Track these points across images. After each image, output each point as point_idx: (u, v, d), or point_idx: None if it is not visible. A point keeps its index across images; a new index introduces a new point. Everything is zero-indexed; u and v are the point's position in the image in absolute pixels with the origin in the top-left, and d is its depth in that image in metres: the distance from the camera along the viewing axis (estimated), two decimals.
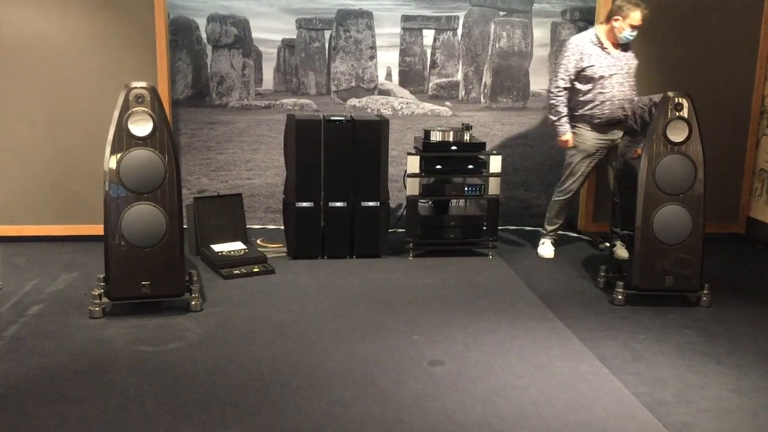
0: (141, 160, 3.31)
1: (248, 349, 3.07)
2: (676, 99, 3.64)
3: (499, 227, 4.62)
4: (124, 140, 3.31)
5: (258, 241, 4.58)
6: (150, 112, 3.32)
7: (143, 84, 3.34)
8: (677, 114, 3.63)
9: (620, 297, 3.71)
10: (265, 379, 2.80)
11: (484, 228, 4.50)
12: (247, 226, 4.97)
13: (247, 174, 5.04)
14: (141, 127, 3.32)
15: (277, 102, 5.02)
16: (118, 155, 3.29)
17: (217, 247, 4.28)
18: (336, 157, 4.30)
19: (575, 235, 5.08)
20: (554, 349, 3.13)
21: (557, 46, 5.13)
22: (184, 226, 4.72)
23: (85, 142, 4.49)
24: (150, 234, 3.33)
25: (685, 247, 3.64)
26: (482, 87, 5.16)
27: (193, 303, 3.46)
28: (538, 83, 5.18)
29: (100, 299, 3.37)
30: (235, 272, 4.00)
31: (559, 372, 2.91)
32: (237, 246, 4.33)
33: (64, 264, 4.16)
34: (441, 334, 3.27)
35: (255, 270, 4.06)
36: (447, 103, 5.16)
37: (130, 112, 3.31)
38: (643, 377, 2.90)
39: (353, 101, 5.08)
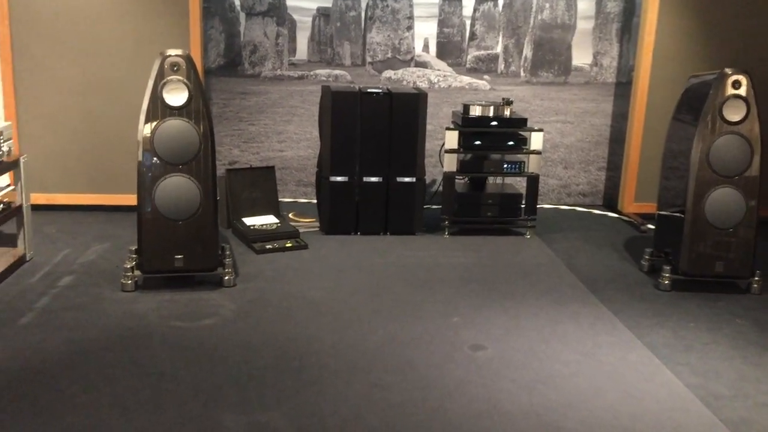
0: (175, 131, 3.21)
1: (284, 328, 2.98)
2: (734, 76, 3.45)
3: (537, 204, 4.48)
4: (159, 109, 3.21)
5: (290, 215, 4.49)
6: (185, 81, 3.21)
7: (179, 51, 3.23)
8: (734, 92, 3.45)
9: (666, 282, 3.57)
10: (303, 360, 2.71)
11: (523, 207, 4.36)
12: (280, 199, 4.88)
13: (279, 146, 4.93)
14: (176, 96, 3.21)
15: (311, 73, 4.89)
16: (153, 125, 3.20)
17: (249, 220, 4.19)
18: (372, 131, 4.17)
19: (615, 215, 4.92)
20: (600, 336, 3.01)
21: (602, 18, 4.93)
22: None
23: (117, 110, 4.40)
24: (183, 206, 3.24)
25: (737, 231, 3.48)
26: (522, 60, 4.99)
27: (226, 278, 3.38)
28: (580, 57, 4.99)
29: (132, 272, 3.30)
30: (267, 247, 3.92)
31: (606, 361, 2.79)
32: (269, 220, 4.24)
33: (95, 234, 4.10)
34: (481, 316, 3.16)
35: (288, 245, 3.97)
36: (485, 76, 4.99)
37: (165, 80, 3.20)
38: (695, 368, 2.77)
39: (389, 73, 4.93)
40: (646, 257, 3.84)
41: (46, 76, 4.36)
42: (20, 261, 3.55)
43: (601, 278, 3.71)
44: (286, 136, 4.93)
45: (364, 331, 2.98)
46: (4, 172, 3.49)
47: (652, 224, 4.56)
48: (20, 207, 3.54)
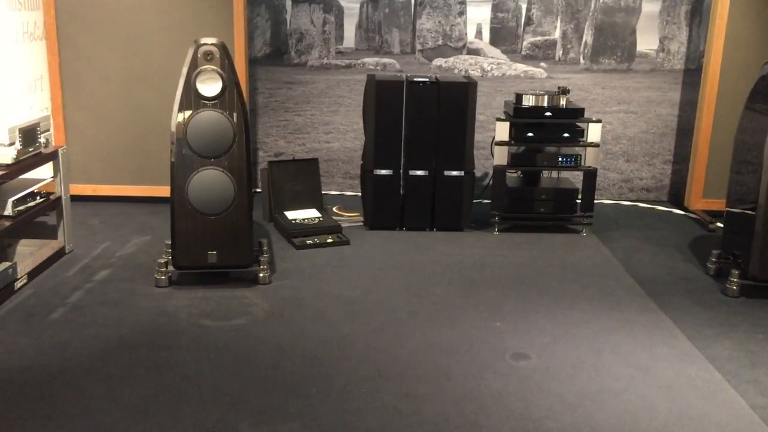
0: (209, 122, 3.10)
1: (315, 329, 2.84)
2: None
3: (595, 201, 4.21)
4: (192, 100, 3.11)
5: (334, 209, 4.35)
6: (219, 70, 3.10)
7: (213, 40, 3.12)
8: None
9: (734, 288, 3.27)
10: (332, 365, 2.57)
11: (579, 202, 4.10)
12: (324, 192, 4.75)
13: (325, 137, 4.80)
14: (210, 86, 3.10)
15: (359, 61, 4.73)
16: (186, 116, 3.10)
17: (291, 214, 4.08)
18: (418, 122, 3.98)
19: (681, 212, 4.59)
20: (657, 347, 2.75)
21: (669, 0, 4.59)
22: (258, 190, 4.58)
23: (160, 100, 4.34)
24: (217, 201, 3.14)
25: None
26: (582, 46, 4.70)
27: (261, 275, 3.27)
28: (645, 42, 4.66)
29: (167, 267, 3.23)
30: (307, 242, 3.79)
31: (662, 375, 2.55)
32: (311, 213, 4.11)
33: (136, 226, 4.06)
34: (526, 322, 2.95)
35: (329, 240, 3.83)
36: (542, 64, 4.72)
37: (198, 70, 3.09)
38: (763, 387, 2.49)
39: (439, 61, 4.72)
40: (713, 259, 3.54)
41: (91, 67, 4.34)
42: (60, 253, 3.53)
43: (661, 281, 3.43)
44: (333, 127, 4.79)
45: (399, 335, 2.81)
46: (43, 164, 3.46)
47: (721, 222, 4.23)
48: (59, 198, 3.51)
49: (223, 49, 3.12)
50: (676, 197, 4.78)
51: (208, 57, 3.10)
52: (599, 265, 3.63)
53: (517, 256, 3.72)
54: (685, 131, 4.71)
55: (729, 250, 3.51)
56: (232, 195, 3.14)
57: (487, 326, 2.91)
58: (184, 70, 3.11)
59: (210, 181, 3.12)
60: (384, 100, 3.94)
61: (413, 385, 2.45)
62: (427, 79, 3.97)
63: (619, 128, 4.76)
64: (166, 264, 3.23)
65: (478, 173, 4.74)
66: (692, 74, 4.65)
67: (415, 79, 3.97)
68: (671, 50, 4.67)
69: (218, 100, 3.11)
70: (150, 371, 2.51)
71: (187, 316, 2.94)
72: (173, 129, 3.11)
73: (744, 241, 3.30)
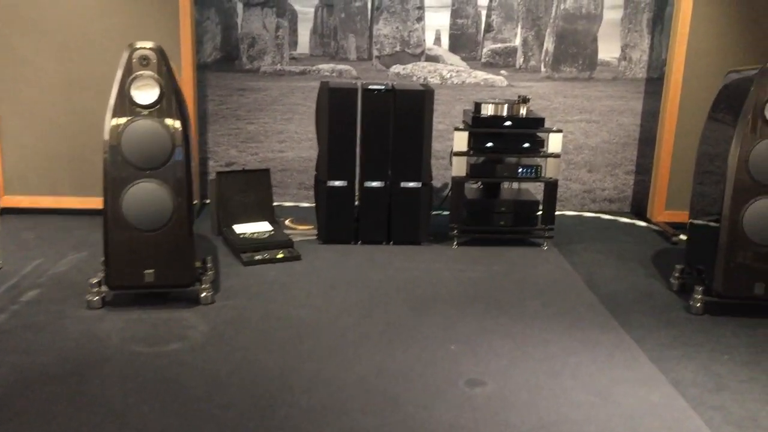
0: (145, 132, 2.90)
1: (257, 356, 2.65)
2: None
3: (557, 212, 4.08)
4: (127, 108, 2.90)
5: (286, 222, 4.16)
6: (156, 76, 2.90)
7: (149, 44, 2.92)
8: None
9: (698, 305, 3.15)
10: (273, 396, 2.38)
11: (540, 215, 3.97)
12: (278, 204, 4.57)
13: (279, 146, 4.61)
14: (146, 93, 2.90)
15: (314, 67, 4.55)
16: (120, 125, 2.89)
17: (240, 228, 3.87)
18: (374, 131, 3.82)
19: (644, 224, 4.49)
20: (618, 370, 2.62)
21: (631, 8, 4.50)
22: (207, 201, 4.37)
23: (102, 107, 4.07)
24: (154, 215, 2.93)
25: None
26: (543, 54, 4.58)
27: (203, 295, 3.06)
28: (607, 51, 4.57)
29: (99, 287, 3.00)
30: (256, 258, 3.59)
31: (624, 402, 2.40)
32: (262, 227, 3.91)
33: (74, 241, 3.81)
34: (484, 343, 2.79)
35: (279, 256, 3.64)
36: (502, 71, 4.60)
37: (133, 76, 2.89)
38: (730, 413, 2.36)
39: (397, 68, 4.57)
40: (677, 275, 3.43)
41: (27, 72, 4.09)
42: None
43: (624, 298, 3.31)
44: (287, 136, 4.60)
45: (347, 361, 2.63)
46: None
47: (684, 235, 4.13)
48: None
49: (161, 53, 2.92)
50: (639, 208, 4.68)
51: (144, 62, 2.89)
52: (560, 280, 3.50)
53: (475, 272, 3.57)
54: (647, 141, 4.62)
55: (692, 265, 3.41)
56: (170, 209, 2.93)
57: (442, 349, 2.74)
58: (118, 76, 2.90)
59: (146, 194, 2.92)
60: (337, 108, 3.77)
61: (358, 417, 2.27)
62: (383, 87, 3.81)
63: (581, 138, 4.65)
64: (99, 283, 3.01)
65: (437, 183, 4.59)
66: (654, 83, 4.57)
67: (370, 87, 3.81)
68: (633, 58, 4.58)
69: (155, 109, 2.91)
70: (71, 405, 2.29)
71: (119, 342, 2.72)
72: (106, 137, 2.89)
73: (707, 256, 3.19)
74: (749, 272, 3.08)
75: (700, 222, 3.34)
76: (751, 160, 3.04)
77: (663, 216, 4.39)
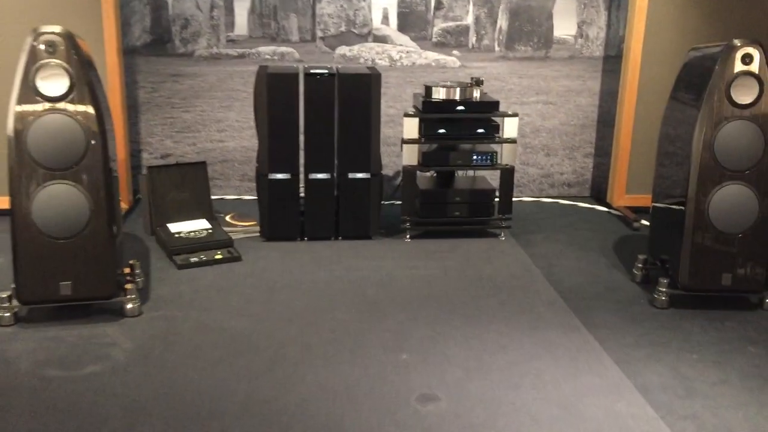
0: (54, 128, 2.58)
1: (186, 376, 2.38)
2: (744, 48, 2.84)
3: (514, 198, 3.88)
4: (33, 101, 2.58)
5: (227, 218, 3.87)
6: (65, 64, 2.58)
7: (56, 28, 2.59)
8: (745, 68, 2.84)
9: (663, 298, 2.98)
10: (201, 424, 2.12)
11: (496, 204, 3.75)
12: (220, 197, 4.29)
13: (218, 135, 4.30)
14: (53, 83, 2.58)
15: (253, 50, 4.24)
16: (25, 120, 2.57)
17: (176, 227, 3.58)
18: (317, 120, 3.54)
19: (604, 209, 4.32)
20: (583, 377, 2.42)
21: None
22: (139, 197, 4.05)
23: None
24: (69, 221, 2.62)
25: (748, 237, 2.89)
26: (497, 32, 4.34)
27: (128, 306, 2.77)
28: (563, 28, 4.35)
29: (10, 302, 2.69)
30: (192, 260, 3.31)
31: (589, 414, 2.21)
32: (200, 225, 3.62)
33: None
34: (437, 351, 2.57)
35: (217, 257, 3.36)
36: (455, 51, 4.35)
37: (38, 64, 2.57)
38: (702, 422, 2.19)
39: (343, 49, 4.28)
40: (639, 265, 3.25)
41: None
42: None
43: (585, 293, 3.12)
44: (227, 124, 4.29)
45: (287, 379, 2.38)
46: None
47: (645, 220, 3.98)
48: None
49: (69, 38, 2.59)
50: (599, 192, 4.51)
51: (51, 49, 2.57)
52: (518, 275, 3.29)
53: (429, 268, 3.35)
54: (606, 122, 4.44)
55: (656, 255, 3.23)
56: (87, 213, 2.63)
57: (392, 359, 2.51)
58: (21, 64, 2.57)
59: (59, 197, 2.61)
60: (277, 95, 3.48)
61: None
62: (326, 71, 3.53)
63: (538, 120, 4.45)
64: (10, 298, 2.69)
65: (390, 171, 4.35)
66: (612, 61, 4.37)
67: (311, 71, 3.53)
68: (590, 36, 4.38)
69: (65, 101, 2.59)
70: None
71: (30, 365, 2.42)
72: (10, 134, 2.57)
73: (671, 246, 3.02)
74: (715, 263, 2.91)
75: (662, 210, 3.16)
76: (717, 143, 2.85)
77: (623, 200, 4.22)
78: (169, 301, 2.93)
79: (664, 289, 2.98)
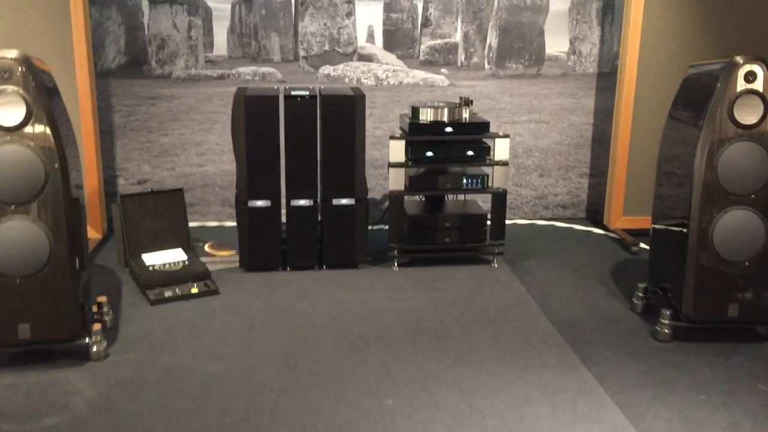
0: (9, 159, 2.40)
1: (152, 429, 2.18)
2: (747, 65, 2.68)
3: (507, 221, 3.70)
4: None
5: (205, 247, 3.68)
6: (21, 91, 2.40)
7: (11, 53, 2.41)
8: (748, 86, 2.68)
9: (666, 331, 2.80)
10: None
11: (488, 229, 3.58)
12: (201, 224, 4.11)
13: (197, 160, 4.12)
14: (8, 112, 2.40)
15: (233, 71, 4.07)
16: None
17: (150, 258, 3.39)
18: (299, 143, 3.37)
19: (601, 232, 4.15)
20: (583, 423, 2.23)
21: None
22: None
23: None
24: (26, 258, 2.43)
25: (755, 265, 2.71)
26: (486, 50, 4.19)
27: (94, 349, 2.58)
28: (555, 44, 4.20)
29: None
30: (166, 294, 3.12)
31: None
32: (175, 256, 3.43)
33: None
34: (425, 394, 2.38)
35: (193, 291, 3.17)
36: (443, 70, 4.19)
37: None
38: None
39: (327, 69, 4.12)
40: (640, 294, 3.07)
41: None
42: None
43: (584, 325, 2.94)
44: (207, 148, 4.12)
45: (261, 430, 2.19)
46: None
47: (645, 243, 3.81)
48: None
49: (26, 63, 2.42)
50: (595, 214, 4.34)
51: (6, 75, 2.39)
52: (513, 306, 3.11)
53: (418, 299, 3.16)
54: (601, 141, 4.28)
55: (657, 283, 3.06)
56: (46, 250, 2.44)
57: (377, 404, 2.32)
58: None
59: (15, 233, 2.42)
60: (256, 118, 3.31)
61: None
62: (307, 93, 3.36)
63: (531, 140, 4.28)
64: None
65: (377, 195, 4.18)
66: (606, 78, 4.22)
67: (292, 93, 3.36)
68: (583, 52, 4.22)
69: (22, 130, 2.41)
70: None
71: None
72: None
73: (673, 275, 2.84)
74: (721, 293, 2.73)
75: (663, 235, 2.99)
76: (720, 166, 2.69)
77: (621, 222, 4.05)
78: (138, 342, 2.73)
79: (666, 321, 2.80)
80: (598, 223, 4.23)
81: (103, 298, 2.85)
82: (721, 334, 2.82)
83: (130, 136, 4.05)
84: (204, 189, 4.14)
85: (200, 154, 4.11)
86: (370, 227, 3.96)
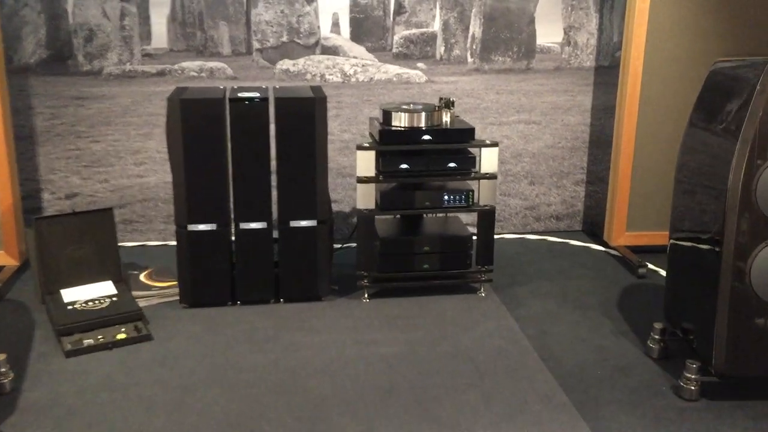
0: None
1: None
2: None
3: (496, 236, 3.19)
4: None
5: (142, 276, 3.13)
6: None
7: None
8: None
9: (692, 387, 2.31)
10: None
11: (473, 253, 3.06)
12: (142, 244, 3.56)
13: (136, 170, 3.55)
14: None
15: (175, 66, 3.50)
16: None
17: (71, 294, 2.83)
18: (249, 156, 2.82)
19: (600, 248, 3.65)
20: None
21: None
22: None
23: None
24: None
25: None
26: (469, 41, 3.65)
27: None
28: (547, 34, 3.67)
29: None
30: (85, 343, 2.57)
31: None
32: (102, 290, 2.88)
33: None
34: None
35: (119, 337, 2.62)
36: (419, 64, 3.65)
37: None
38: None
39: (285, 64, 3.56)
40: (656, 337, 2.58)
41: None
42: None
43: (590, 376, 2.44)
44: (147, 156, 3.55)
45: None
46: None
47: (652, 263, 3.33)
48: None
49: None
50: (592, 226, 3.85)
51: None
52: (504, 350, 2.60)
53: (391, 343, 2.64)
54: (599, 143, 3.77)
55: (676, 322, 2.56)
56: None
57: None
58: None
59: None
60: (195, 126, 2.75)
61: None
62: (256, 95, 2.81)
63: (520, 143, 3.76)
64: None
65: (346, 208, 3.66)
66: (605, 72, 3.71)
67: (239, 95, 2.80)
68: (579, 43, 3.71)
69: None
70: None
71: None
72: None
73: (699, 317, 2.35)
74: (759, 342, 2.25)
75: (683, 264, 2.49)
76: (760, 188, 2.19)
77: (623, 239, 3.55)
78: (41, 413, 2.18)
79: (693, 376, 2.31)
80: (597, 237, 3.74)
81: (1, 356, 2.29)
82: (758, 391, 2.34)
83: (55, 143, 3.46)
84: (144, 204, 3.58)
85: (139, 163, 3.54)
86: (338, 246, 3.44)
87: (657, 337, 2.58)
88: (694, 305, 2.40)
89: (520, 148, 3.77)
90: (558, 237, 3.80)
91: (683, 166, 2.52)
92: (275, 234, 2.92)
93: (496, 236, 3.28)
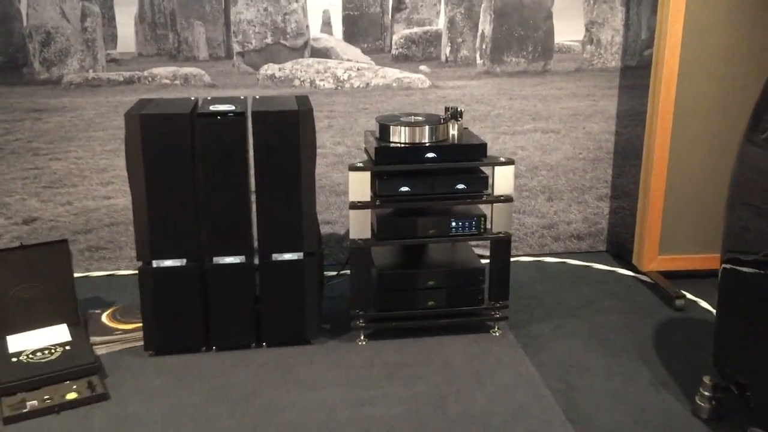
0: None
1: None
2: None
3: (511, 258, 2.76)
4: None
5: (104, 317, 2.72)
6: None
7: None
8: None
9: None
10: None
11: (485, 287, 2.64)
12: (111, 273, 3.17)
13: (103, 190, 3.15)
14: None
15: (145, 73, 3.09)
16: None
17: (17, 342, 2.43)
18: (223, 180, 2.41)
19: (628, 273, 3.23)
20: None
21: None
22: None
23: None
24: None
25: None
26: (479, 40, 3.23)
27: None
28: (566, 32, 3.25)
29: None
30: (28, 406, 2.17)
31: None
32: (55, 336, 2.48)
33: None
34: None
35: (69, 397, 2.21)
36: (422, 67, 3.23)
37: None
38: None
39: (270, 69, 3.15)
40: (706, 393, 2.16)
41: None
42: None
43: None
44: (114, 175, 3.14)
45: None
46: None
47: (691, 293, 2.92)
48: None
49: None
50: (618, 246, 3.42)
51: None
52: (525, 411, 2.19)
53: (391, 401, 2.23)
54: (626, 154, 3.35)
55: (729, 375, 2.14)
56: None
57: None
58: None
59: None
60: (158, 147, 2.35)
61: None
62: (231, 109, 2.39)
63: (536, 155, 3.34)
64: None
65: (340, 230, 3.26)
66: (633, 74, 3.28)
67: (211, 109, 2.39)
68: (602, 41, 3.28)
69: None
70: None
71: None
72: None
73: (760, 370, 1.93)
74: None
75: (740, 305, 2.07)
76: None
77: (656, 263, 3.13)
78: None
79: None
80: (623, 260, 3.32)
81: None
82: None
83: (10, 162, 3.06)
84: (113, 228, 3.17)
85: (106, 183, 3.14)
86: (333, 273, 3.04)
87: (707, 394, 2.15)
88: (756, 355, 1.98)
89: (536, 160, 3.35)
90: (579, 260, 3.38)
91: (741, 186, 2.10)
92: (256, 268, 2.52)
93: (512, 258, 2.86)
